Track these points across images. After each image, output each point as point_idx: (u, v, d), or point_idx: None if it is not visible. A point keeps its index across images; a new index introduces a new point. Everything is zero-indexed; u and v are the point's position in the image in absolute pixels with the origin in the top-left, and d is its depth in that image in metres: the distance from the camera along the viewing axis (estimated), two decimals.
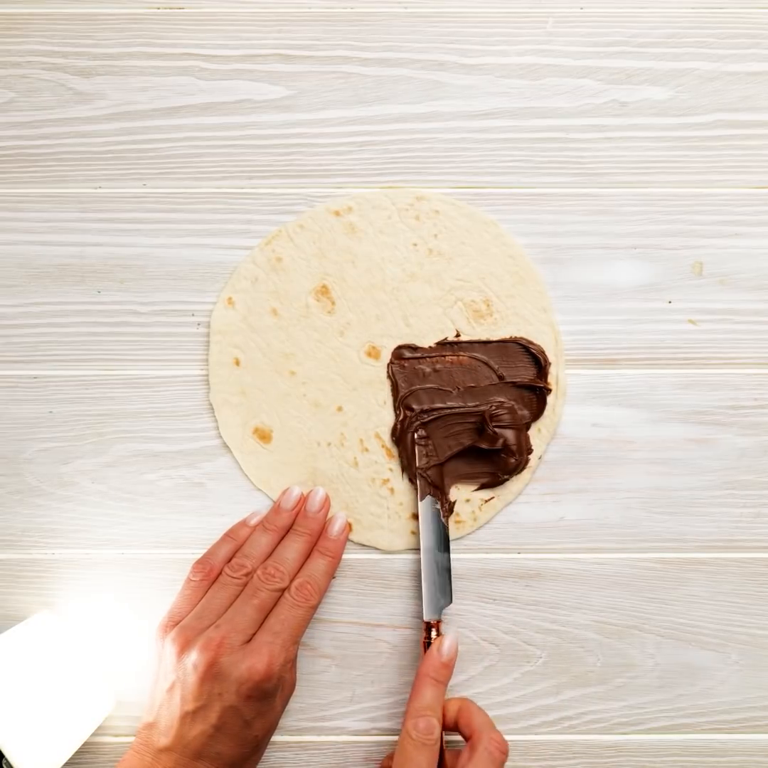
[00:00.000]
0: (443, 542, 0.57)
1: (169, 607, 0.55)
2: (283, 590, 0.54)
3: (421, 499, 0.58)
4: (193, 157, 0.60)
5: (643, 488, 0.59)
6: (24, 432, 0.59)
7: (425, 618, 0.56)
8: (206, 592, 0.55)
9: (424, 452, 0.58)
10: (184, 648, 0.52)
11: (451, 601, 0.57)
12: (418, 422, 0.58)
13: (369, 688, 0.58)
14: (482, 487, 0.58)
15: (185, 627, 0.53)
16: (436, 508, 0.58)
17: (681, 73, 0.60)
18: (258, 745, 0.53)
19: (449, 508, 0.58)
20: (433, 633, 0.55)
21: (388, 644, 0.58)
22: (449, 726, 0.54)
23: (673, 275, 0.60)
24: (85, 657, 0.56)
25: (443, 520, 0.58)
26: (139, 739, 0.53)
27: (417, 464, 0.58)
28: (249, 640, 0.52)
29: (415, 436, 0.58)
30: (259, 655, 0.51)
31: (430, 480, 0.58)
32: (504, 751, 0.51)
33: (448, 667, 0.54)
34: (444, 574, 0.57)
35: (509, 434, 0.58)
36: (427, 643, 0.55)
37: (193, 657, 0.51)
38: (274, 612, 0.53)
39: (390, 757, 0.55)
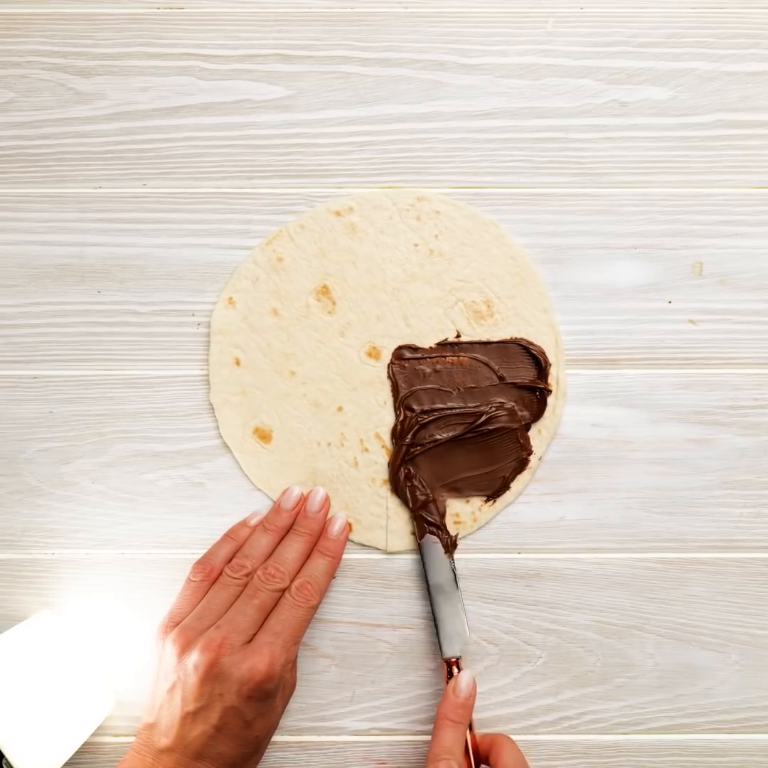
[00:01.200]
0: (452, 578, 0.57)
1: (170, 608, 0.55)
2: (283, 590, 0.54)
3: (421, 539, 0.57)
4: (193, 157, 0.60)
5: (643, 488, 0.59)
6: (24, 432, 0.59)
7: (444, 657, 0.56)
8: (206, 592, 0.55)
9: (416, 491, 0.58)
10: (184, 648, 0.52)
11: (467, 636, 0.57)
12: (417, 424, 0.58)
13: (369, 688, 0.58)
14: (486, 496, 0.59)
15: (186, 627, 0.53)
16: (438, 546, 0.57)
17: (681, 73, 0.60)
18: (259, 745, 0.53)
19: (452, 542, 0.58)
20: (455, 670, 0.55)
21: (388, 644, 0.58)
22: (484, 761, 0.54)
23: (673, 275, 0.60)
24: (85, 657, 0.56)
25: (448, 556, 0.57)
26: (139, 739, 0.53)
27: (410, 506, 0.58)
28: (250, 641, 0.52)
29: (401, 477, 0.58)
30: (260, 655, 0.51)
31: (428, 519, 0.57)
32: None
33: (467, 706, 0.53)
34: (457, 610, 0.57)
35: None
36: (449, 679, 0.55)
37: (194, 657, 0.51)
38: (275, 612, 0.53)
39: None
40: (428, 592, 0.57)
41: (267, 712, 0.52)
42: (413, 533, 0.58)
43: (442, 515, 0.58)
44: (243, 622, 0.52)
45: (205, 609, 0.53)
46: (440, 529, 0.57)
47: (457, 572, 0.58)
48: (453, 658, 0.56)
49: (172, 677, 0.52)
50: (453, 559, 0.57)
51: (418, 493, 0.58)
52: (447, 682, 0.55)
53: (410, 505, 0.58)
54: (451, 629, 0.56)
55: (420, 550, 0.57)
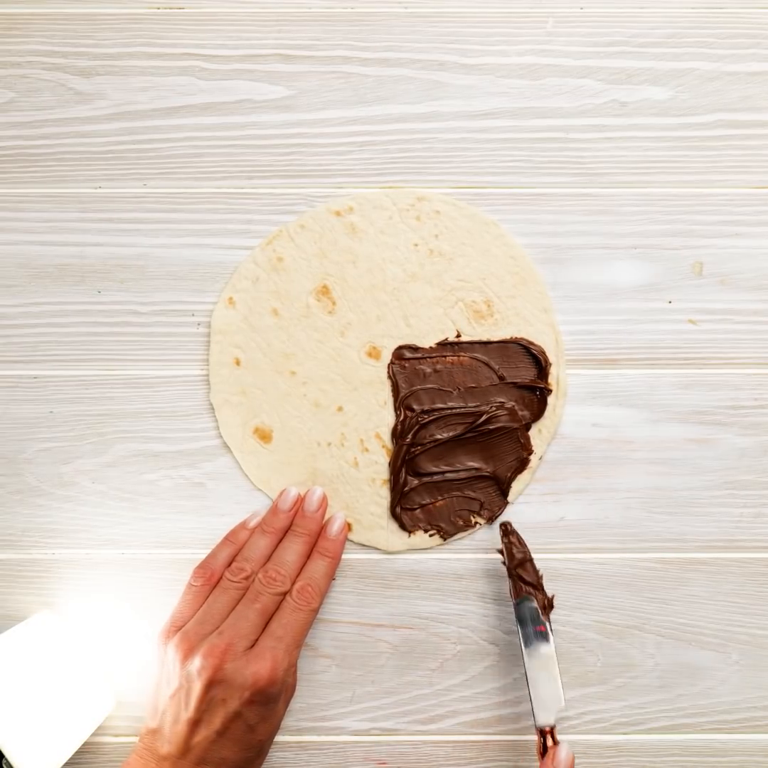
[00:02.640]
0: (549, 640, 0.54)
1: (171, 613, 0.55)
2: (284, 594, 0.54)
3: (517, 599, 0.55)
4: (193, 157, 0.60)
5: (643, 488, 0.59)
6: (24, 432, 0.59)
7: (538, 724, 0.52)
8: (207, 596, 0.54)
9: (513, 548, 0.55)
10: (187, 654, 0.51)
11: (563, 703, 0.53)
12: (422, 423, 0.58)
13: (369, 688, 0.58)
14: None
15: (188, 633, 0.52)
16: (534, 607, 0.54)
17: (681, 73, 0.60)
18: (261, 749, 0.53)
19: (549, 603, 0.55)
20: (549, 740, 0.52)
21: (388, 644, 0.58)
22: None
23: (673, 275, 0.60)
24: (85, 657, 0.56)
25: (544, 618, 0.54)
26: (142, 744, 0.52)
27: (506, 564, 0.55)
28: (252, 645, 0.52)
29: (502, 535, 0.56)
30: (264, 660, 0.51)
31: (525, 578, 0.55)
32: None
33: None
34: (554, 675, 0.53)
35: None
36: (543, 750, 0.52)
37: (197, 663, 0.51)
38: (277, 616, 0.53)
39: None
40: (521, 652, 0.54)
41: (270, 716, 0.52)
42: (509, 592, 0.56)
43: (539, 575, 0.55)
44: (245, 627, 0.52)
45: (206, 614, 0.53)
46: (537, 589, 0.55)
47: (553, 633, 0.55)
48: (548, 726, 0.52)
49: (174, 683, 0.52)
50: (550, 621, 0.54)
51: (515, 550, 0.55)
52: (540, 752, 0.52)
53: (506, 563, 0.55)
54: (547, 696, 0.53)
55: (515, 609, 0.55)
